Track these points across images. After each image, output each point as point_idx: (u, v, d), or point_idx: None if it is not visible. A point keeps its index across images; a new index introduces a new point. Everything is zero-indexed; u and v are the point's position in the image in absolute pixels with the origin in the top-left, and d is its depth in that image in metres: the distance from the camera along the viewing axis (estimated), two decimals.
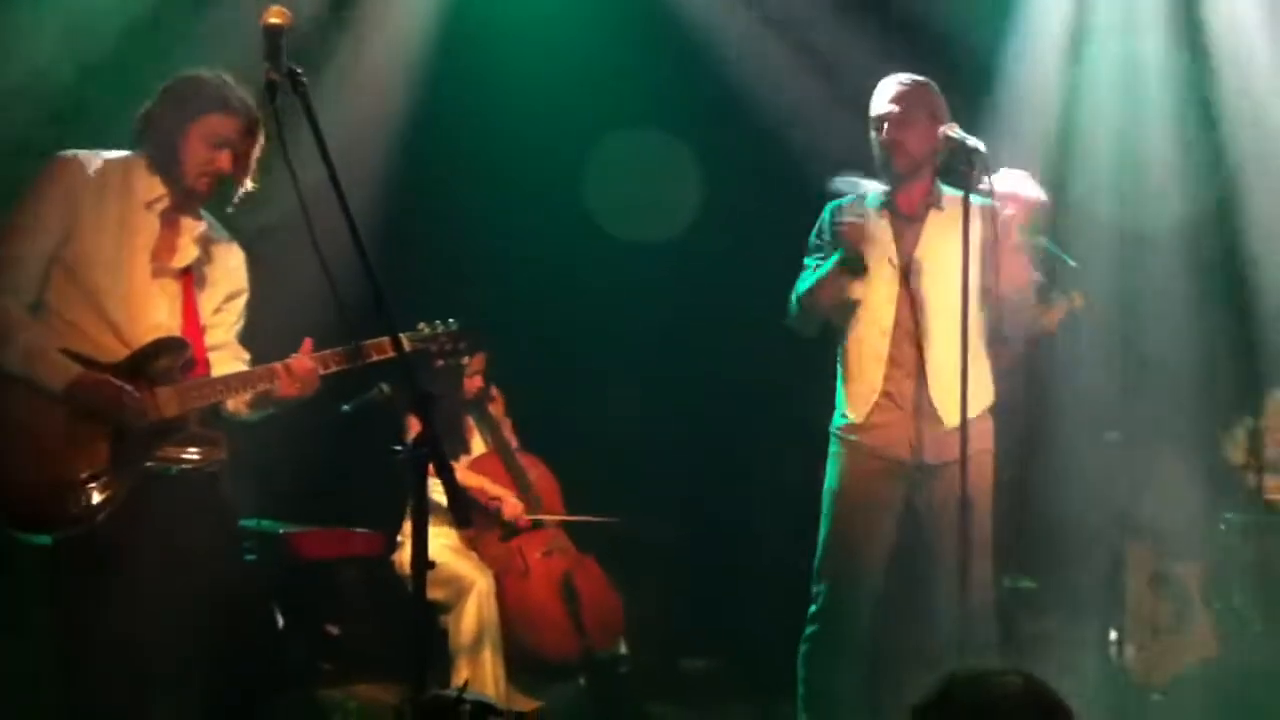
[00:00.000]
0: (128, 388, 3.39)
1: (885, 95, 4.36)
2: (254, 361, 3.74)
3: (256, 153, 3.62)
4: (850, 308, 4.41)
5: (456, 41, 5.89)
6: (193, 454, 3.52)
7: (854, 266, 4.32)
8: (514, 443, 5.65)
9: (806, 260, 4.49)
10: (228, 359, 3.70)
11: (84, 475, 3.35)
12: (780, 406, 6.44)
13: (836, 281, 4.35)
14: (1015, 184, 4.33)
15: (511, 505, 5.35)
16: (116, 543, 3.30)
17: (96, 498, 3.34)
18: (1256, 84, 5.57)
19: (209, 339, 3.68)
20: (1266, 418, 5.48)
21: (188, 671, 3.46)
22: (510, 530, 5.36)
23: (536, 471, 5.65)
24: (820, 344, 5.78)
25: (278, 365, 3.60)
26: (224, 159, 3.54)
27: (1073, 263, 4.54)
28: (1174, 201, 5.52)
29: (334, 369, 3.65)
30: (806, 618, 4.46)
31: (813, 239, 4.50)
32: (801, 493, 6.44)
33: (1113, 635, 5.35)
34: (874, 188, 4.40)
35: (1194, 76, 5.67)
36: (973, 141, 4.11)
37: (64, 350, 3.39)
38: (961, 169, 4.16)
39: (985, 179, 4.14)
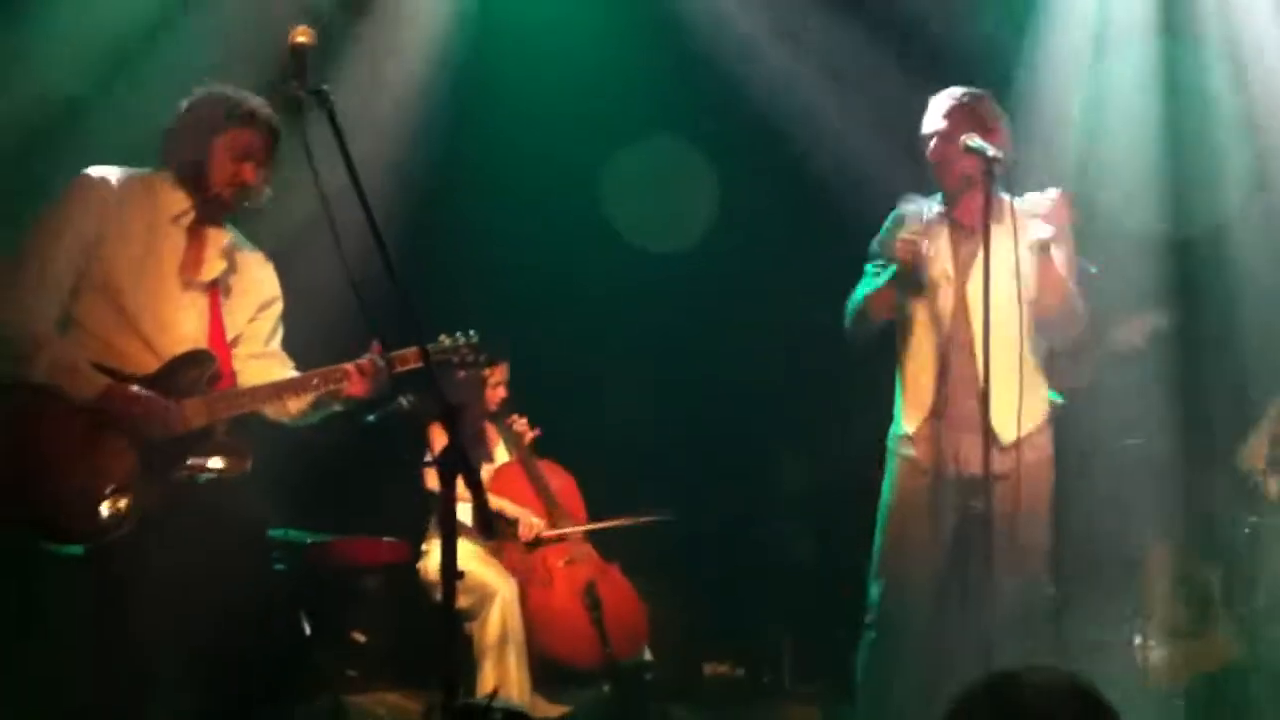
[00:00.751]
0: (156, 397, 3.44)
1: (937, 111, 4.35)
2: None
3: (274, 163, 3.69)
4: (906, 320, 4.41)
5: (470, 52, 5.93)
6: (220, 464, 3.57)
7: (905, 283, 4.31)
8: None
9: (867, 267, 4.48)
10: (273, 369, 3.76)
11: (113, 486, 3.39)
12: (803, 410, 6.46)
13: (888, 295, 4.35)
14: (1047, 202, 4.28)
15: (527, 527, 5.38)
16: (145, 551, 3.35)
17: (125, 507, 3.39)
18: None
19: (246, 349, 3.76)
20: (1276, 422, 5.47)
21: (215, 679, 3.50)
22: (533, 541, 5.39)
23: (559, 480, 5.67)
24: (837, 354, 5.82)
25: (349, 365, 3.68)
26: (249, 170, 3.62)
27: (1093, 269, 4.53)
28: (1203, 205, 5.50)
29: (410, 367, 3.64)
30: (864, 625, 4.46)
31: (873, 246, 4.49)
32: (824, 496, 6.50)
33: (1135, 639, 5.35)
34: (932, 206, 4.40)
35: (1219, 78, 5.66)
36: (993, 151, 4.11)
37: (93, 364, 3.45)
38: (982, 178, 4.15)
39: (1005, 189, 4.16)
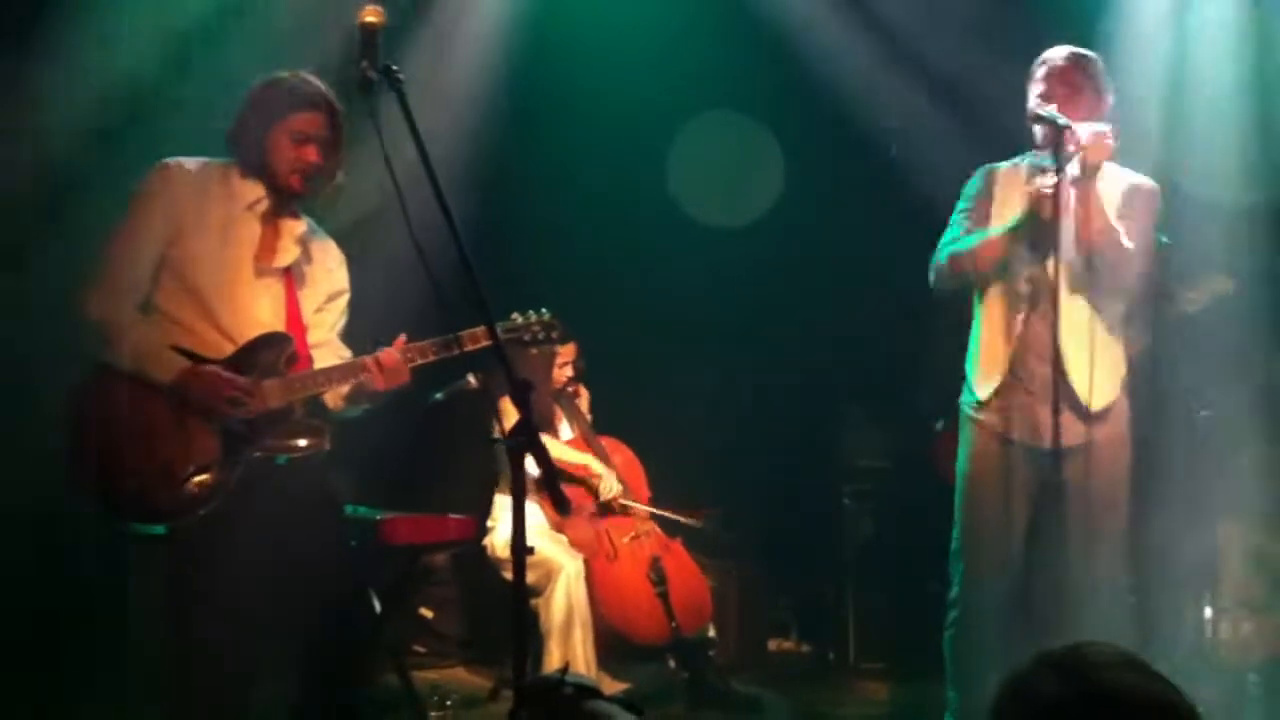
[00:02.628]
0: (233, 378, 3.49)
1: (1047, 69, 4.24)
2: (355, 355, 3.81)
3: (342, 148, 3.70)
4: (997, 278, 4.31)
5: (535, 34, 5.93)
6: (299, 443, 3.61)
7: (1020, 225, 4.19)
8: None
9: (953, 219, 4.41)
10: (329, 356, 3.77)
11: (194, 466, 3.44)
12: (873, 382, 6.44)
13: (1001, 242, 4.23)
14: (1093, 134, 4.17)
15: (609, 484, 5.43)
16: (227, 530, 3.39)
17: (207, 486, 3.44)
18: None
19: (310, 337, 3.77)
20: None
21: (291, 657, 3.56)
22: (603, 510, 5.43)
23: (621, 457, 5.71)
24: (901, 326, 5.78)
25: (367, 359, 3.67)
26: (311, 153, 3.64)
27: (1165, 239, 4.45)
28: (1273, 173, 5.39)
29: (422, 361, 3.71)
30: (948, 601, 4.41)
31: (961, 203, 4.42)
32: (887, 474, 6.48)
33: (1208, 613, 5.29)
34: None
35: None
36: (1063, 120, 4.05)
37: (172, 347, 3.49)
38: (1054, 148, 4.09)
39: (1075, 156, 4.09)
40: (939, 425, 5.56)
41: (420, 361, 3.72)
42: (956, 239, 4.37)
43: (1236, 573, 5.19)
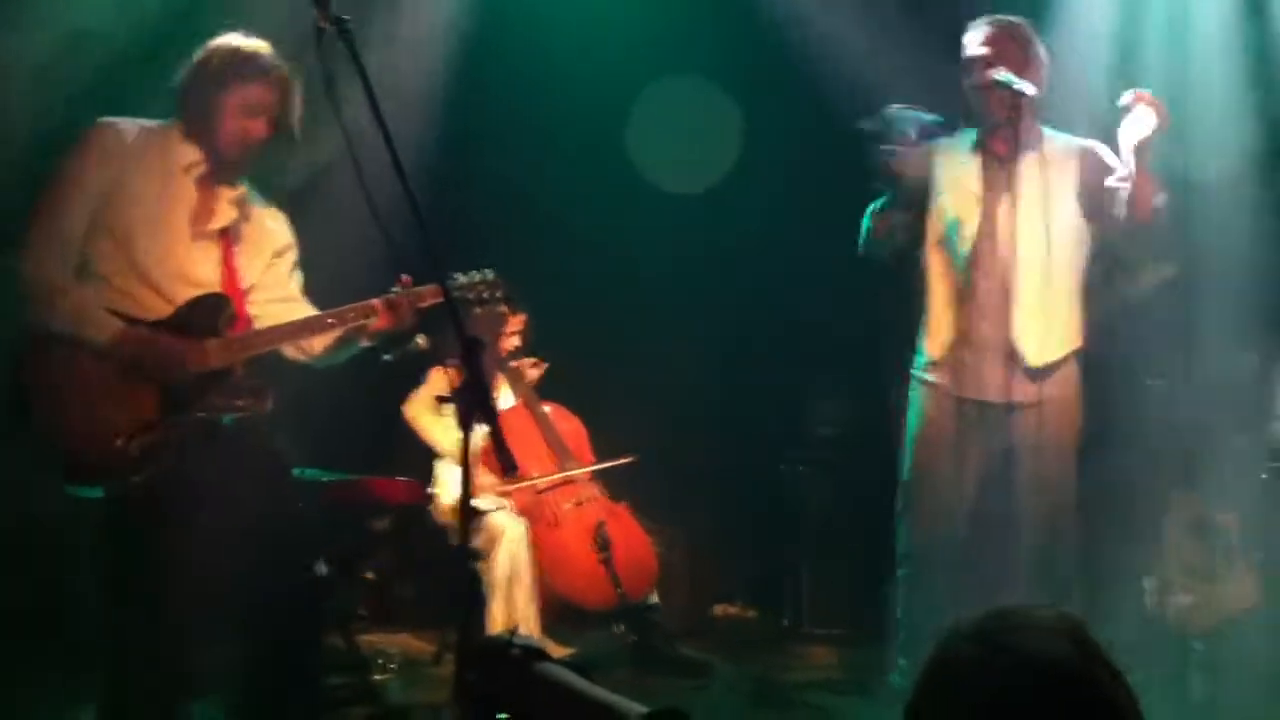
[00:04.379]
0: (171, 338, 3.46)
1: (978, 38, 4.32)
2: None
3: (296, 113, 3.66)
4: (931, 246, 4.42)
5: None
6: (241, 403, 3.58)
7: (893, 200, 4.33)
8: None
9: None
10: (296, 310, 3.76)
11: (135, 427, 3.40)
12: (823, 348, 6.44)
13: (885, 214, 4.39)
14: (1151, 103, 4.18)
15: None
16: (168, 492, 3.36)
17: (148, 448, 3.40)
18: None
19: (266, 295, 3.75)
20: None
21: (235, 619, 3.51)
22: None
23: (566, 423, 5.67)
24: (854, 290, 5.77)
25: (375, 301, 3.66)
26: (258, 127, 3.61)
27: (1163, 201, 4.46)
28: (1229, 144, 5.42)
29: (430, 303, 3.69)
30: (897, 559, 4.47)
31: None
32: (834, 438, 6.49)
33: (1153, 582, 5.33)
34: (913, 122, 4.34)
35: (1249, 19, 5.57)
36: (1019, 85, 4.07)
37: (109, 309, 3.45)
38: (1009, 113, 4.10)
39: (1031, 122, 4.11)
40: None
41: (422, 305, 3.71)
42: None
43: (1181, 543, 5.24)
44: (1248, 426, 5.33)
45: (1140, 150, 4.14)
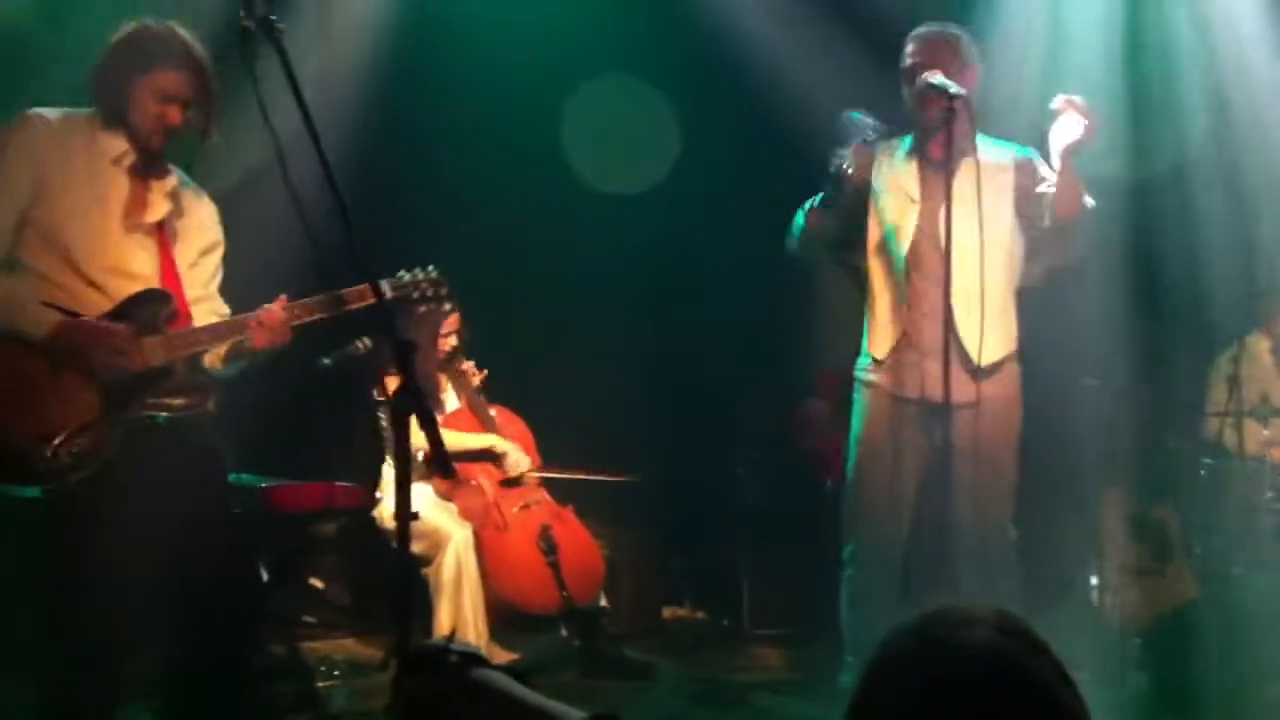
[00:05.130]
0: (116, 328, 3.38)
1: (914, 45, 4.37)
2: (235, 314, 3.72)
3: (215, 105, 3.57)
4: (872, 249, 4.46)
5: None
6: (182, 402, 3.50)
7: (830, 199, 4.37)
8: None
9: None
10: (207, 313, 3.68)
11: (74, 425, 3.32)
12: (766, 350, 6.46)
13: (820, 213, 4.43)
14: (1079, 108, 4.24)
15: (516, 460, 5.38)
16: (105, 491, 3.28)
17: (87, 447, 3.32)
18: (1242, 30, 5.56)
19: (186, 292, 3.65)
20: (1243, 365, 5.49)
21: (173, 624, 3.46)
22: (512, 480, 5.38)
23: (512, 426, 5.64)
24: (795, 293, 5.79)
25: (248, 317, 3.58)
26: (173, 113, 3.51)
27: (1091, 202, 4.51)
28: (1156, 149, 5.50)
29: (307, 319, 3.62)
30: (842, 560, 4.49)
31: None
32: (779, 440, 6.51)
33: (1093, 579, 5.39)
34: (871, 128, 4.38)
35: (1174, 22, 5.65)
36: (955, 89, 4.10)
37: (45, 302, 3.37)
38: (945, 116, 4.13)
39: (967, 126, 4.15)
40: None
41: (305, 319, 3.63)
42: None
43: (1119, 539, 5.29)
44: (1183, 424, 5.40)
45: (1067, 154, 4.21)
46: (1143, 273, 5.52)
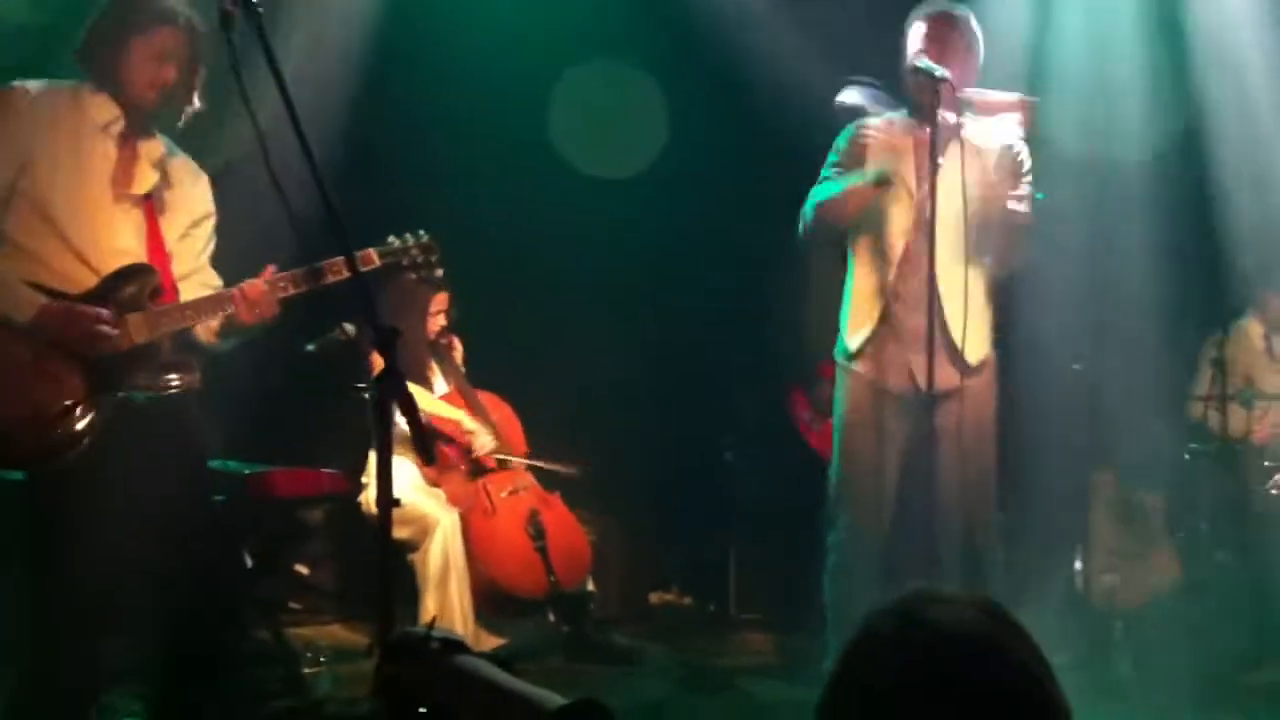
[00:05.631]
0: (96, 313, 3.35)
1: (919, 29, 4.32)
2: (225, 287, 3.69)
3: (200, 68, 3.57)
4: (860, 231, 4.41)
5: None
6: (169, 379, 3.48)
7: (883, 179, 4.28)
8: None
9: (824, 173, 4.46)
10: (198, 286, 3.65)
11: (60, 407, 3.31)
12: (748, 342, 6.45)
13: (864, 193, 4.31)
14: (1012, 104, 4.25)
15: (481, 440, 5.34)
16: (93, 474, 3.27)
17: (75, 428, 3.31)
18: (1225, 18, 5.56)
19: (176, 266, 3.63)
20: (1228, 349, 5.50)
21: (157, 608, 3.45)
22: (478, 468, 5.35)
23: (499, 412, 5.63)
24: (788, 281, 5.78)
25: (233, 290, 3.55)
26: (169, 71, 3.51)
27: (1041, 195, 4.51)
28: (1142, 133, 5.49)
29: (292, 292, 3.58)
30: (826, 546, 4.49)
31: (832, 156, 4.47)
32: (767, 426, 6.51)
33: (1078, 564, 5.40)
34: (876, 102, 4.36)
35: (1162, 8, 5.64)
36: (940, 72, 4.08)
37: (29, 282, 3.35)
38: (930, 100, 4.12)
39: (951, 110, 4.13)
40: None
41: (290, 292, 3.58)
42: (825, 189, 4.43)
43: (1104, 523, 5.31)
44: (1168, 409, 5.41)
45: (1013, 151, 4.24)
46: (1130, 257, 5.51)
